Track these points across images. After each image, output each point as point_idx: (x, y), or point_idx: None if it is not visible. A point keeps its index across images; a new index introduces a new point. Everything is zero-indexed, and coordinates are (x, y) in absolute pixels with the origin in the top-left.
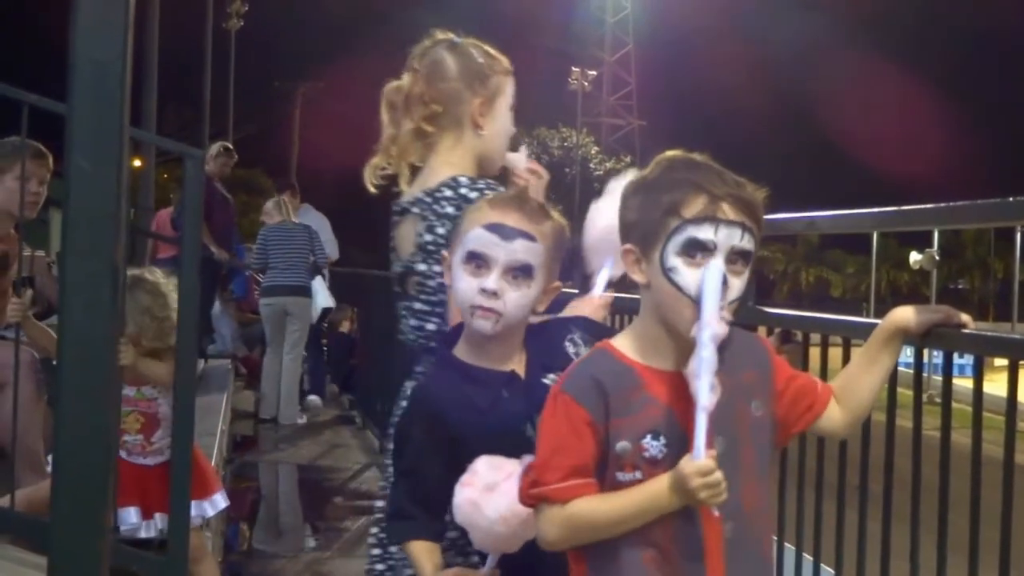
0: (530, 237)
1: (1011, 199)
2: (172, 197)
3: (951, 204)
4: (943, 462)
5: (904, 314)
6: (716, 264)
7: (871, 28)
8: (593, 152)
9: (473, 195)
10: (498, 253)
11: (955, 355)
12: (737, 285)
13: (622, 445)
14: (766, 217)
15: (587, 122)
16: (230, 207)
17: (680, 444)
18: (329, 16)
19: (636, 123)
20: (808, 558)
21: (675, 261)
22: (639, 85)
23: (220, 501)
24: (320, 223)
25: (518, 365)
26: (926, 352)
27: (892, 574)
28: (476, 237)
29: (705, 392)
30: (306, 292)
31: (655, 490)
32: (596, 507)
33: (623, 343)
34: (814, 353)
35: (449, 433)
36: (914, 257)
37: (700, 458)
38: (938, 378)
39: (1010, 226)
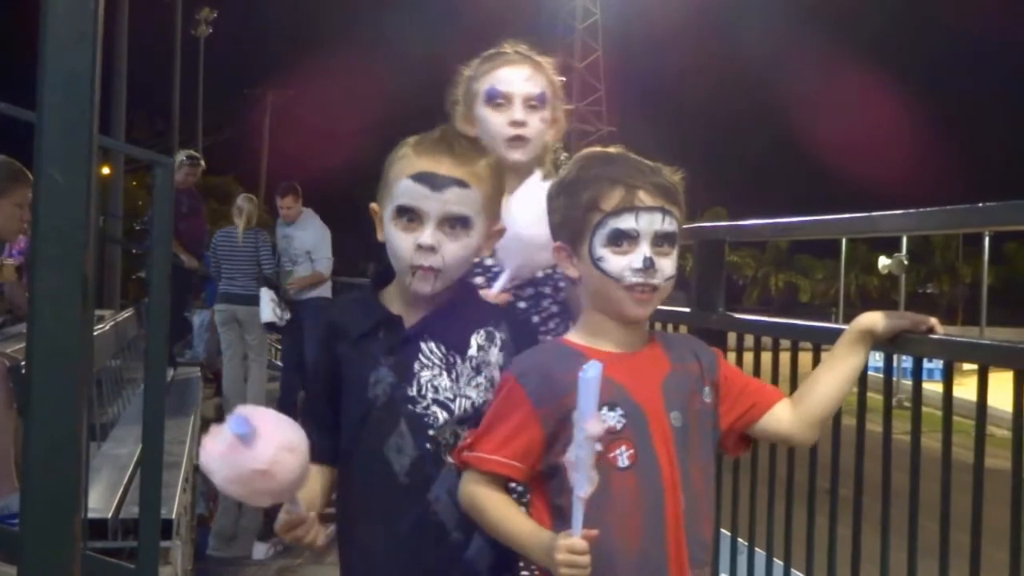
0: (463, 183)
1: (979, 205)
2: (140, 205)
3: (920, 210)
4: (913, 466)
5: (871, 318)
6: (592, 369)
7: (842, 32)
8: (563, 158)
9: None
10: (429, 205)
11: (924, 359)
12: (666, 265)
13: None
14: (735, 224)
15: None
16: (200, 216)
17: (637, 415)
18: (297, 23)
19: (606, 129)
20: (779, 563)
21: (602, 251)
22: (608, 91)
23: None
24: (319, 234)
25: (413, 315)
26: (896, 356)
27: None
28: (404, 190)
29: (582, 484)
30: (255, 302)
31: (533, 538)
32: (491, 504)
33: (572, 336)
34: (784, 358)
35: (330, 355)
36: (883, 262)
37: (575, 536)
38: (908, 382)
39: (979, 232)
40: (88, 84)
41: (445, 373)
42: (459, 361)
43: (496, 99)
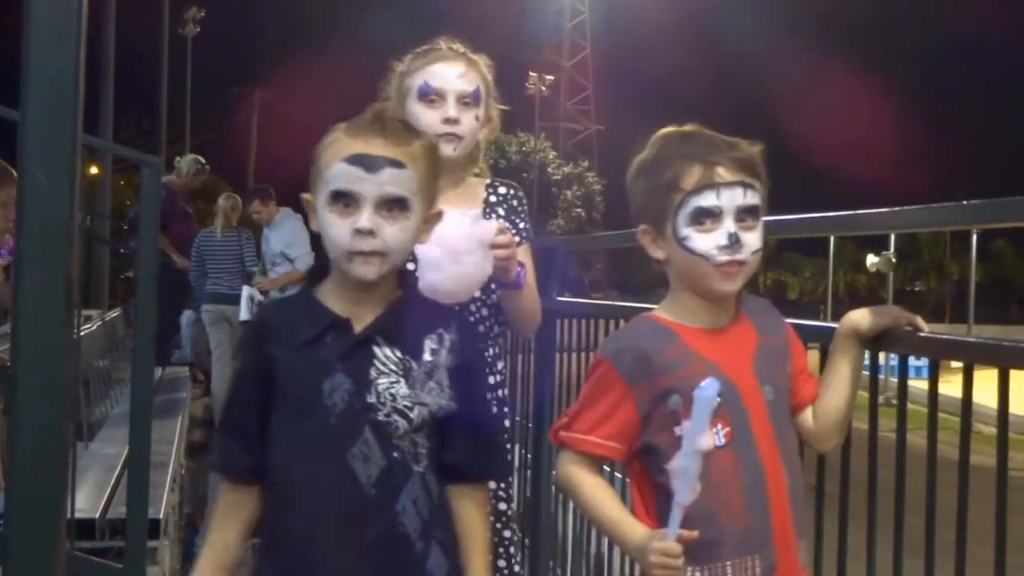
0: (398, 164)
1: (965, 202)
2: (128, 204)
3: (907, 208)
4: (899, 463)
5: (853, 319)
6: (709, 388)
7: (831, 30)
8: (551, 157)
9: None
10: (365, 188)
11: (911, 357)
12: (752, 239)
13: (674, 399)
14: None
15: (545, 127)
16: (190, 218)
17: (731, 393)
18: (285, 22)
19: (594, 127)
20: None
21: (687, 231)
22: (597, 90)
23: None
24: (292, 232)
25: (362, 317)
26: (882, 354)
27: (848, 575)
28: (338, 173)
29: (683, 492)
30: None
31: (627, 529)
32: (588, 486)
33: (660, 312)
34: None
35: (266, 360)
36: (871, 260)
37: (670, 539)
38: (895, 380)
39: (966, 230)
40: (72, 83)
41: (403, 380)
42: (414, 367)
43: (429, 95)
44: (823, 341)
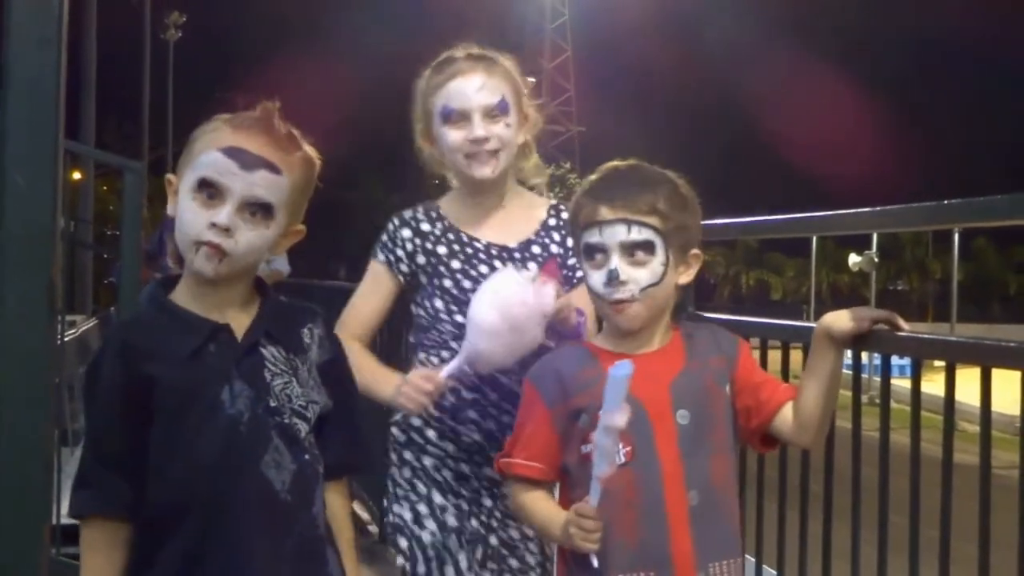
0: (274, 169)
1: (946, 202)
2: (111, 209)
3: (889, 208)
4: (882, 462)
5: (827, 322)
6: (623, 368)
7: (809, 32)
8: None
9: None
10: (235, 184)
11: (894, 356)
12: (640, 274)
13: (583, 419)
14: (706, 222)
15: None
16: None
17: (639, 414)
18: (267, 26)
19: (576, 129)
20: (750, 559)
21: (584, 266)
22: (578, 91)
23: None
24: None
25: (237, 320)
26: (864, 354)
27: (833, 574)
28: (211, 162)
29: (600, 465)
30: None
31: (554, 517)
32: (526, 504)
33: (596, 338)
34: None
35: (141, 380)
36: (853, 259)
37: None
38: (878, 379)
39: (948, 229)
40: (52, 89)
41: (294, 379)
42: (299, 364)
43: (452, 118)
44: (805, 341)
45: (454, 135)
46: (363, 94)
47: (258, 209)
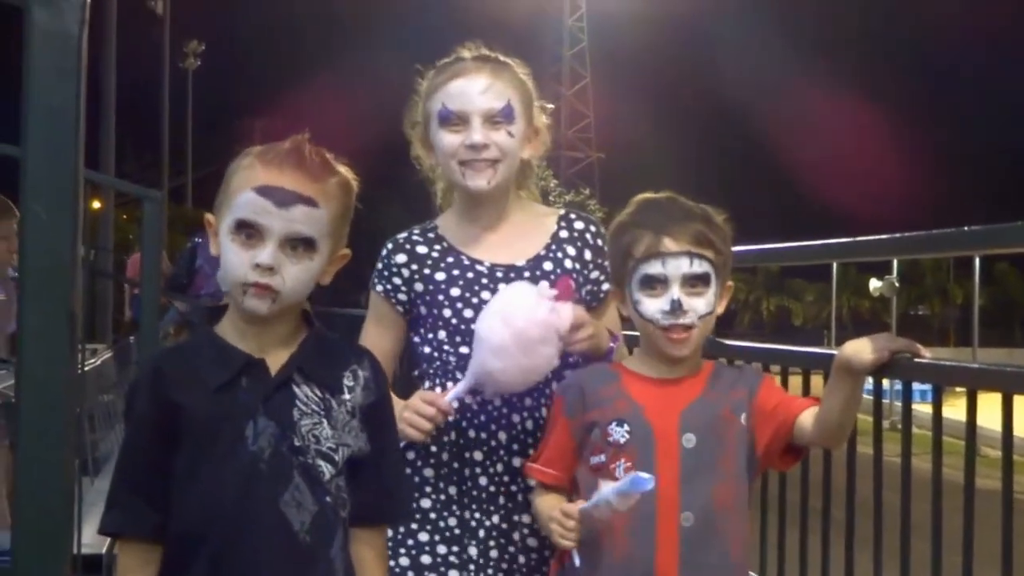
0: (311, 202)
1: (967, 228)
2: (131, 238)
3: (909, 234)
4: (904, 488)
5: (847, 356)
6: (642, 484)
7: (834, 58)
8: (552, 185)
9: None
10: (273, 222)
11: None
12: (699, 304)
13: (595, 432)
14: (731, 249)
15: (546, 155)
16: None
17: (644, 434)
18: (285, 53)
19: (595, 156)
20: None
21: (638, 295)
22: (597, 118)
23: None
24: None
25: (276, 355)
26: (885, 380)
27: None
28: (247, 202)
29: (598, 501)
30: None
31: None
32: (536, 506)
33: (626, 359)
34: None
35: (169, 407)
36: (874, 284)
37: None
38: (900, 404)
39: (968, 255)
40: (72, 120)
41: (325, 420)
42: (335, 405)
43: (450, 120)
44: (826, 368)
45: (449, 139)
46: (380, 118)
47: (300, 243)
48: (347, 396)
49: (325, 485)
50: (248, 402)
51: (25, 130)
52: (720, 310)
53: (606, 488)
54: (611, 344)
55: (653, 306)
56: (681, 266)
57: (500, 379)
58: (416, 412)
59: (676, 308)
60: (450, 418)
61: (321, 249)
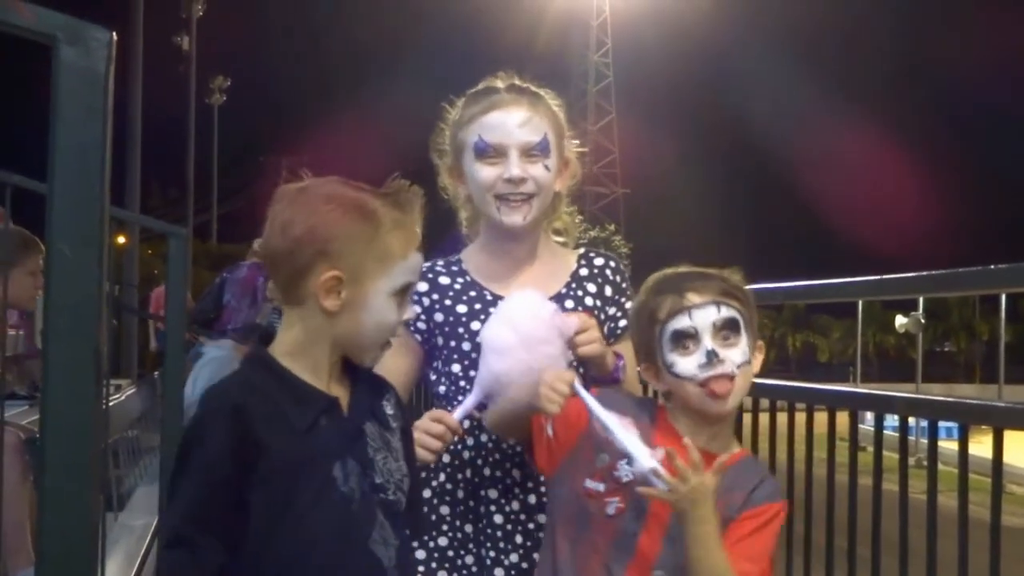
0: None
1: (992, 267)
2: (156, 273)
3: (936, 273)
4: (930, 526)
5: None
6: (648, 460)
7: (860, 98)
8: (577, 221)
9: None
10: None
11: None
12: (734, 354)
13: (602, 456)
14: (753, 287)
15: (570, 191)
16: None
17: (646, 484)
18: (309, 88)
19: (620, 191)
20: None
21: (671, 357)
22: (622, 153)
23: None
24: None
25: (337, 391)
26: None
27: None
28: (415, 266)
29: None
30: None
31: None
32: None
33: (670, 414)
34: (800, 419)
35: (252, 445)
36: (900, 321)
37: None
38: (926, 440)
39: (994, 293)
40: (98, 159)
41: (390, 455)
42: (391, 437)
43: (487, 153)
44: (853, 406)
45: (487, 172)
46: (405, 151)
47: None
48: (394, 426)
49: (401, 518)
50: (333, 443)
51: (52, 167)
52: (756, 367)
53: (641, 452)
54: (618, 362)
55: (688, 363)
56: (709, 315)
57: (505, 381)
58: (425, 432)
59: (712, 358)
60: (456, 438)
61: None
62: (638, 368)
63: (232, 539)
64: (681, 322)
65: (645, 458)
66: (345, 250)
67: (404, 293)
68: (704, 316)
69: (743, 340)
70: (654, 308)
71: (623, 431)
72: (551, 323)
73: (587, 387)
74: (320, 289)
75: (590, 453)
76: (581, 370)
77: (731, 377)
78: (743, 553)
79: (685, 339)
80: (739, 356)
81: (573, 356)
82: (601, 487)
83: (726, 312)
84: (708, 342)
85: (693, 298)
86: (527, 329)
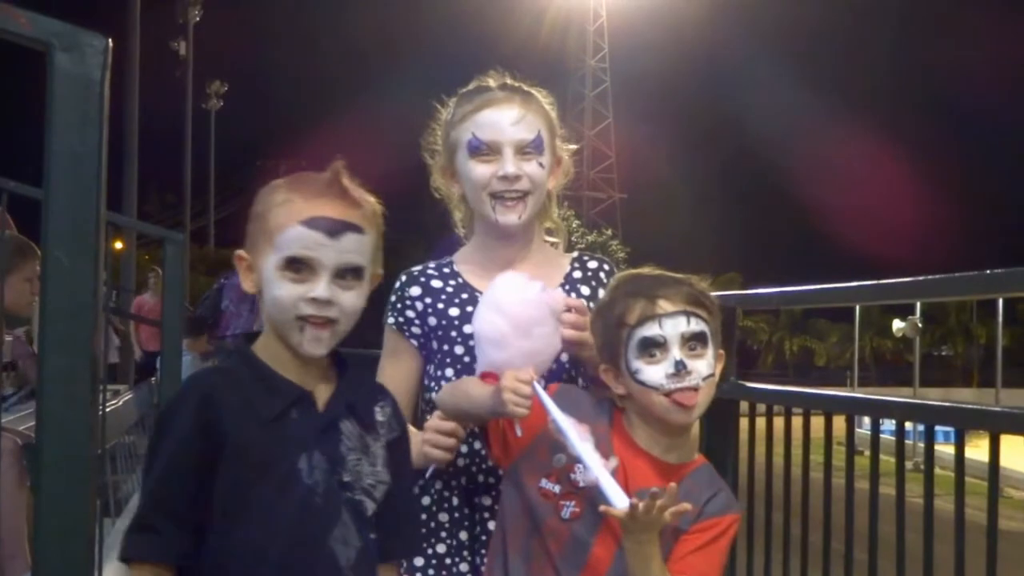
0: (358, 229)
1: (989, 271)
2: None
3: (932, 277)
4: (927, 530)
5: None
6: (604, 464)
7: (857, 104)
8: (575, 225)
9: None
10: (325, 255)
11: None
12: (700, 365)
13: (559, 456)
14: (745, 293)
15: (568, 196)
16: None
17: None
18: (307, 93)
19: (617, 196)
20: None
21: (637, 364)
22: (619, 158)
23: None
24: None
25: (317, 389)
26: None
27: None
28: (295, 237)
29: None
30: None
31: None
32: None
33: (628, 423)
34: (796, 423)
35: (216, 435)
36: (897, 325)
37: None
38: (922, 444)
39: (991, 298)
40: (94, 166)
41: (364, 457)
42: (370, 441)
43: (480, 151)
44: (850, 411)
45: (481, 170)
46: (403, 155)
47: (349, 272)
48: (381, 432)
49: (368, 521)
50: (301, 435)
51: (47, 174)
52: (717, 377)
53: (596, 463)
54: None
55: (655, 373)
56: (679, 325)
57: (507, 371)
58: (436, 431)
59: (680, 368)
60: (460, 477)
61: (367, 275)
62: (601, 369)
63: (195, 525)
64: (651, 330)
65: (597, 468)
66: (249, 231)
67: (293, 268)
68: (674, 326)
69: (709, 351)
70: (623, 311)
71: (578, 440)
72: (540, 302)
73: (585, 387)
74: (240, 271)
75: (546, 453)
76: (575, 374)
77: (696, 389)
78: (690, 569)
79: (653, 347)
80: (705, 368)
81: (567, 355)
82: (556, 488)
83: (695, 325)
84: (676, 352)
85: (665, 305)
86: (518, 313)
